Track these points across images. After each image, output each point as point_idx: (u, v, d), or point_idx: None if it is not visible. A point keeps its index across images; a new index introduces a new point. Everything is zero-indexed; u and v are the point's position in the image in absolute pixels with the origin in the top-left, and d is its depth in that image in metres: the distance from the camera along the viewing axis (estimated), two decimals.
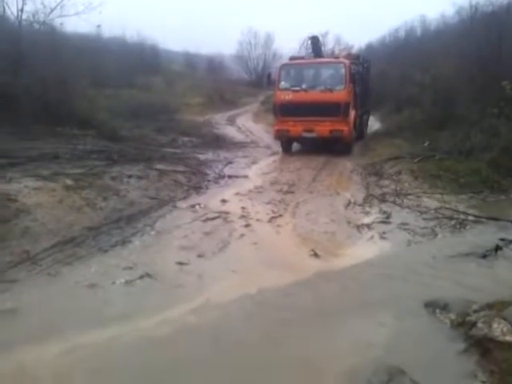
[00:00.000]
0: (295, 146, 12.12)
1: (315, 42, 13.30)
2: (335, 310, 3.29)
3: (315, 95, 10.59)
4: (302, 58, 12.51)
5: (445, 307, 3.17)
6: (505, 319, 2.73)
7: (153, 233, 4.86)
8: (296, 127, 10.87)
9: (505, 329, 2.67)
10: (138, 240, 4.62)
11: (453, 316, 3.06)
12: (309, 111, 10.49)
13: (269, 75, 12.55)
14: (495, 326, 2.71)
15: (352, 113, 11.10)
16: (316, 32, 14.09)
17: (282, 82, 11.20)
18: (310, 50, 13.30)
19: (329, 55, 15.34)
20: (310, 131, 10.73)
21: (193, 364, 2.62)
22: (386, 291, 3.57)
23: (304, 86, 10.85)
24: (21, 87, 10.16)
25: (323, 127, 10.55)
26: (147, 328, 2.95)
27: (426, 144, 10.08)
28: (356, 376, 2.43)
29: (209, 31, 58.32)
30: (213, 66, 35.34)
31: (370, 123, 16.42)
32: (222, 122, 18.13)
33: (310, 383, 2.47)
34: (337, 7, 58.17)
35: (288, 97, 10.82)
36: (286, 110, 10.88)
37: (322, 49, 14.35)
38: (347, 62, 11.19)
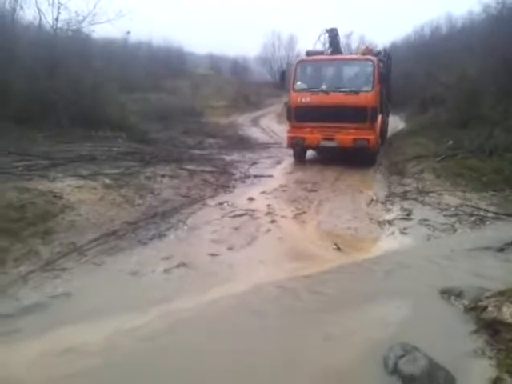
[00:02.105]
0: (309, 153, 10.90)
1: (333, 35, 11.66)
2: (358, 295, 3.58)
3: (337, 98, 9.12)
4: (322, 53, 10.87)
5: (459, 294, 3.40)
6: None
7: (185, 228, 5.23)
8: (313, 135, 9.46)
9: None
10: (172, 234, 4.99)
11: (466, 302, 3.28)
12: (329, 116, 9.14)
13: (283, 73, 11.11)
14: (504, 309, 2.92)
15: (379, 118, 9.83)
16: (340, 33, 12.13)
17: (298, 82, 9.68)
18: (328, 45, 11.60)
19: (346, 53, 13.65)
20: (329, 139, 9.32)
21: (221, 340, 2.96)
22: (404, 280, 3.82)
23: (324, 87, 9.36)
24: (57, 93, 10.78)
25: (346, 135, 9.16)
26: (187, 309, 3.30)
27: (449, 143, 10.13)
28: (374, 350, 2.70)
29: (233, 34, 58.92)
30: (237, 69, 35.84)
31: (395, 124, 16.44)
32: (246, 124, 18.49)
33: (333, 354, 2.75)
34: (361, 7, 57.68)
35: (305, 99, 9.40)
36: (302, 115, 9.46)
37: (341, 44, 12.65)
38: (375, 59, 9.73)
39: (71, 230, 4.57)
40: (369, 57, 9.84)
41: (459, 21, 29.16)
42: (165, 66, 25.85)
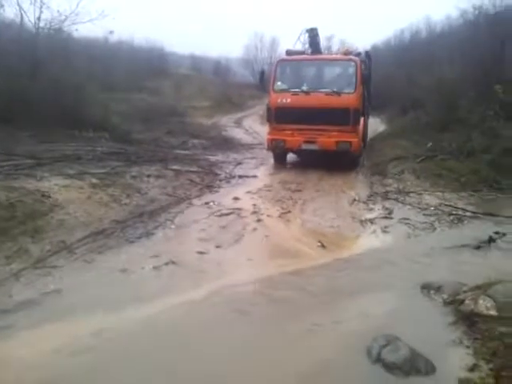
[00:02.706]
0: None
1: (313, 35, 11.39)
2: (341, 290, 3.73)
3: (318, 99, 8.83)
4: (302, 52, 10.59)
5: (438, 289, 3.57)
6: (489, 297, 3.13)
7: (173, 226, 5.31)
8: (294, 137, 9.09)
9: (489, 305, 3.07)
10: (160, 232, 5.06)
11: (445, 296, 3.46)
12: (310, 118, 8.83)
13: (262, 73, 10.68)
14: (481, 302, 3.11)
15: (362, 121, 9.72)
16: (321, 35, 11.95)
17: (279, 83, 9.34)
18: (307, 45, 11.34)
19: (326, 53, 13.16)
20: (311, 142, 8.96)
21: (214, 330, 3.09)
22: (386, 276, 3.99)
23: (305, 88, 9.04)
24: (38, 92, 10.69)
25: (328, 138, 8.84)
26: (177, 304, 3.39)
27: (429, 145, 10.40)
28: (358, 341, 2.83)
29: (215, 35, 58.93)
30: (219, 69, 35.84)
31: (376, 126, 16.71)
32: (229, 125, 18.55)
33: (318, 344, 2.88)
34: (343, 10, 58.38)
35: (285, 100, 9.04)
36: (283, 116, 9.10)
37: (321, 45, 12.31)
38: (358, 59, 9.52)
39: (60, 228, 4.60)
40: (351, 57, 9.58)
41: (438, 25, 29.75)
42: (146, 66, 25.67)
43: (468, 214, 6.04)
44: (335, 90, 8.85)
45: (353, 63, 9.20)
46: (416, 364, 2.54)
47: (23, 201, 4.79)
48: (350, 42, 31.99)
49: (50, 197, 5.08)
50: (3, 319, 3.13)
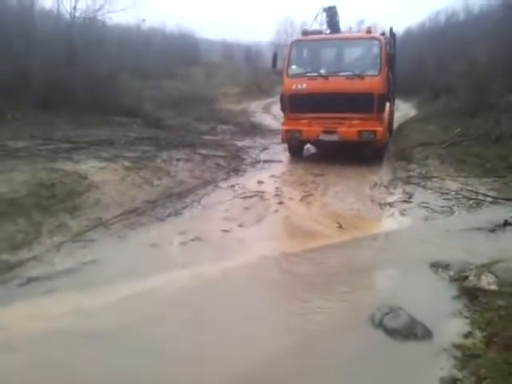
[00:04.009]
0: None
1: (332, 14, 10.33)
2: (355, 266, 3.98)
3: (338, 83, 7.96)
4: (320, 32, 9.55)
5: (446, 267, 3.76)
6: (492, 273, 3.31)
7: (199, 207, 5.68)
8: (311, 127, 8.30)
9: (491, 280, 3.25)
10: (187, 212, 5.45)
11: (452, 273, 3.65)
12: (329, 105, 8.00)
13: (274, 56, 9.32)
14: (483, 278, 3.30)
15: (387, 107, 8.83)
16: (352, 19, 11.73)
17: (293, 66, 8.48)
18: (325, 26, 10.30)
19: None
20: (330, 133, 8.17)
21: (237, 297, 3.44)
22: (398, 255, 4.20)
23: (323, 71, 8.23)
24: (74, 80, 11.22)
25: (349, 127, 8.06)
26: (202, 274, 3.75)
27: (457, 131, 10.33)
28: (363, 310, 3.09)
29: (247, 20, 58.72)
30: (250, 56, 35.88)
31: (406, 111, 16.55)
32: (257, 111, 18.76)
33: (328, 311, 3.16)
34: None
35: (301, 85, 8.18)
36: (298, 104, 8.28)
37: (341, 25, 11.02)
38: (382, 38, 8.57)
39: (97, 206, 5.05)
40: (375, 35, 8.65)
41: (476, 6, 28.65)
42: (178, 54, 26.08)
43: (488, 199, 6.08)
44: (357, 72, 7.99)
45: (377, 42, 8.25)
46: (414, 330, 2.78)
47: (63, 181, 5.25)
48: (382, 26, 31.44)
49: (86, 178, 5.52)
50: (47, 284, 3.56)
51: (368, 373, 2.50)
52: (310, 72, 8.37)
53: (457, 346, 2.62)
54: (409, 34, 31.42)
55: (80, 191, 5.19)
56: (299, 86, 8.23)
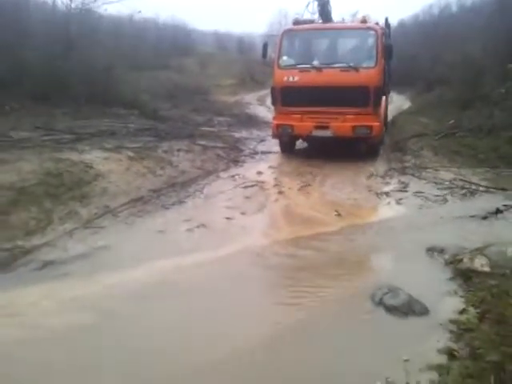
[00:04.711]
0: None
1: (323, 3, 9.76)
2: (353, 250, 4.19)
3: (332, 76, 7.56)
4: (312, 21, 9.14)
5: (441, 251, 3.97)
6: (484, 256, 3.52)
7: (202, 196, 5.87)
8: (304, 122, 7.88)
9: (484, 262, 3.47)
10: (190, 201, 5.64)
11: (447, 256, 3.86)
12: (322, 99, 7.61)
13: (264, 46, 8.81)
14: (476, 260, 3.51)
15: (383, 100, 8.52)
16: (345, 12, 11.14)
17: (284, 57, 8.03)
18: (317, 15, 9.79)
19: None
20: (323, 128, 7.75)
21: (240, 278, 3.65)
22: (395, 240, 4.41)
23: (316, 63, 7.75)
24: (71, 71, 11.25)
25: (343, 122, 7.68)
26: (208, 258, 3.95)
27: (450, 122, 10.52)
28: (364, 289, 3.30)
29: (239, 11, 58.43)
30: (243, 47, 35.81)
31: (400, 103, 16.72)
32: (252, 102, 18.83)
33: (329, 290, 3.37)
34: None
35: (292, 78, 7.75)
36: (290, 98, 7.86)
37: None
38: (378, 28, 8.17)
39: (104, 195, 5.21)
40: (370, 25, 8.16)
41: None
42: (172, 45, 26.05)
43: (481, 188, 6.29)
44: (352, 64, 7.57)
45: (372, 32, 7.82)
46: (412, 307, 2.99)
47: (70, 171, 5.39)
48: (376, 18, 31.46)
49: (92, 167, 5.66)
50: (62, 268, 3.74)
51: (368, 343, 2.71)
52: (303, 63, 7.89)
53: (452, 322, 2.83)
54: (402, 26, 31.55)
55: (87, 180, 5.34)
56: (291, 79, 7.80)
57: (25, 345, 2.70)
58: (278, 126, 8.18)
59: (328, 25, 9.11)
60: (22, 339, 2.77)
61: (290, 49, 8.32)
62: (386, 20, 10.18)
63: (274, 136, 8.59)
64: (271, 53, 8.85)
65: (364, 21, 8.21)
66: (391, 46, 8.18)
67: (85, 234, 4.32)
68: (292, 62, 8.01)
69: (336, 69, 7.67)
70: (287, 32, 8.49)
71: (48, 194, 4.75)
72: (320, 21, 9.59)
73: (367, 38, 7.95)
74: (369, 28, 7.98)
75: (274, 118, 8.44)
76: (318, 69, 7.69)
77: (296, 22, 8.70)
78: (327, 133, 7.79)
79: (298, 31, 8.53)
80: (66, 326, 2.91)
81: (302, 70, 7.77)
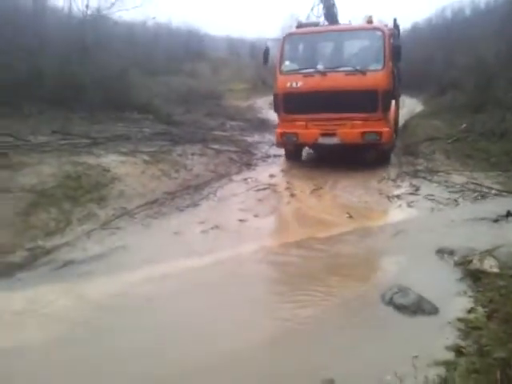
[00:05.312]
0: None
1: (329, 5, 9.51)
2: (365, 251, 4.26)
3: (338, 80, 7.22)
4: (317, 24, 8.86)
5: (451, 252, 4.01)
6: (494, 257, 3.57)
7: (216, 199, 6.02)
8: (309, 130, 7.54)
9: (493, 263, 3.52)
10: (205, 203, 5.80)
11: (457, 258, 3.90)
12: (328, 105, 7.28)
13: (266, 51, 8.48)
14: (486, 262, 3.56)
15: (393, 105, 8.14)
16: (356, 16, 10.47)
17: (287, 62, 7.70)
18: (323, 18, 9.48)
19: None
20: (329, 135, 7.41)
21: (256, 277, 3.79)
22: (405, 242, 4.47)
23: (320, 67, 7.42)
24: (86, 76, 11.51)
25: (351, 129, 7.33)
26: (223, 258, 4.07)
27: (463, 126, 10.51)
28: (374, 289, 3.38)
29: (251, 17, 58.75)
30: (255, 52, 35.97)
31: (413, 106, 16.67)
32: (264, 107, 18.91)
33: (341, 290, 3.45)
34: None
35: (295, 83, 7.41)
36: (293, 105, 7.51)
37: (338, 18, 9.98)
38: (386, 28, 7.78)
39: (121, 197, 5.39)
40: (377, 25, 7.78)
41: (482, 2, 28.66)
42: (185, 50, 26.32)
43: (493, 191, 6.31)
44: (359, 67, 7.23)
45: (379, 33, 7.43)
46: (422, 306, 3.05)
47: (87, 174, 5.58)
48: (388, 22, 31.38)
49: (109, 171, 5.84)
50: (81, 268, 3.89)
51: (377, 340, 2.78)
52: (306, 68, 7.56)
53: (461, 320, 2.88)
54: (415, 29, 31.45)
55: (105, 183, 5.52)
56: (294, 84, 7.44)
57: (48, 340, 2.84)
58: (281, 134, 7.81)
59: (331, 27, 8.75)
60: (44, 335, 2.90)
61: (293, 53, 8.00)
62: (395, 21, 9.62)
63: (279, 145, 8.28)
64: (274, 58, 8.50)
65: (370, 21, 7.75)
66: (400, 46, 7.70)
67: (102, 235, 4.47)
68: (295, 66, 7.72)
69: (341, 73, 7.33)
70: (289, 36, 8.12)
71: (67, 196, 4.93)
72: (325, 23, 9.30)
73: (374, 39, 7.54)
74: (375, 28, 7.61)
75: (278, 127, 8.10)
76: (323, 73, 7.35)
77: (299, 26, 8.36)
78: (334, 140, 7.45)
79: (300, 34, 8.19)
80: (85, 322, 3.04)
81: (306, 75, 7.45)
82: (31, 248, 4.08)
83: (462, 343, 2.62)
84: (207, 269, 3.86)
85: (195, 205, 5.63)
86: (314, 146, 8.40)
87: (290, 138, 7.72)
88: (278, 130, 7.91)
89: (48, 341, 2.83)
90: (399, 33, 9.82)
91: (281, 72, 7.67)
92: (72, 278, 3.69)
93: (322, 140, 7.51)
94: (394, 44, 7.60)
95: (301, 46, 8.23)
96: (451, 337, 2.71)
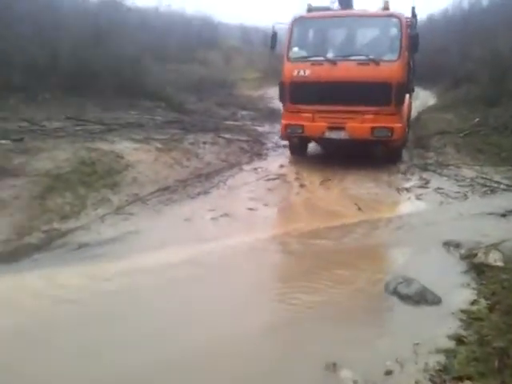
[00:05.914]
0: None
1: None
2: (373, 242, 4.35)
3: (349, 70, 6.75)
4: (328, 8, 8.32)
5: (458, 245, 4.07)
6: (499, 251, 3.63)
7: (226, 187, 6.11)
8: (315, 122, 7.07)
9: (497, 257, 3.58)
10: (215, 192, 5.90)
11: (462, 251, 3.96)
12: (337, 96, 6.81)
13: (273, 37, 7.81)
14: (491, 255, 3.62)
15: (406, 99, 7.59)
16: (371, 8, 9.67)
17: (295, 48, 7.18)
18: (336, 2, 8.82)
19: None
20: (337, 129, 6.96)
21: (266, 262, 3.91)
22: (413, 234, 4.54)
23: (330, 55, 6.99)
24: (100, 63, 11.58)
25: (360, 123, 6.87)
26: (233, 245, 4.19)
27: (476, 120, 10.42)
28: (379, 279, 3.46)
29: (265, 5, 58.21)
30: (268, 40, 35.58)
31: (426, 99, 16.52)
32: (275, 97, 18.77)
33: (346, 280, 3.54)
34: None
35: (303, 72, 6.92)
36: (300, 95, 7.05)
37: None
38: (403, 16, 7.10)
39: (134, 183, 5.52)
40: (393, 12, 7.13)
41: None
42: (197, 37, 26.21)
43: (502, 186, 6.32)
44: (372, 57, 6.73)
45: (395, 20, 6.89)
46: (425, 296, 3.13)
47: (101, 160, 5.70)
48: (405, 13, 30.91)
49: (123, 157, 5.96)
50: (95, 250, 4.03)
51: (380, 327, 2.89)
52: (315, 56, 7.08)
53: (463, 311, 2.96)
54: (431, 20, 30.96)
55: (118, 169, 5.64)
56: (301, 73, 6.95)
57: (64, 317, 2.98)
58: (286, 126, 7.34)
59: (344, 12, 8.11)
60: (59, 312, 3.04)
61: (302, 39, 7.43)
62: (413, 9, 8.58)
63: (283, 137, 7.84)
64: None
65: (386, 7, 7.20)
66: (417, 36, 7.07)
67: (116, 220, 4.61)
68: (304, 53, 7.17)
69: (353, 62, 6.83)
70: (298, 20, 7.45)
71: (81, 181, 5.06)
72: (339, 7, 8.64)
73: (390, 26, 7.03)
74: (391, 15, 7.02)
75: (283, 118, 7.57)
76: (333, 62, 6.86)
77: (310, 10, 7.69)
78: (342, 134, 7.00)
79: (310, 19, 7.62)
80: (100, 304, 3.17)
81: (315, 64, 6.94)
82: (47, 230, 4.22)
83: (464, 333, 2.70)
84: (217, 253, 3.99)
85: (206, 193, 5.74)
86: (321, 140, 7.86)
87: (295, 130, 7.28)
88: (283, 122, 7.46)
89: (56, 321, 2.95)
90: (416, 22, 8.66)
91: (288, 59, 7.19)
92: (86, 259, 3.83)
93: (329, 134, 7.08)
94: (412, 33, 7.03)
95: (311, 32, 7.69)
96: (453, 326, 2.79)
